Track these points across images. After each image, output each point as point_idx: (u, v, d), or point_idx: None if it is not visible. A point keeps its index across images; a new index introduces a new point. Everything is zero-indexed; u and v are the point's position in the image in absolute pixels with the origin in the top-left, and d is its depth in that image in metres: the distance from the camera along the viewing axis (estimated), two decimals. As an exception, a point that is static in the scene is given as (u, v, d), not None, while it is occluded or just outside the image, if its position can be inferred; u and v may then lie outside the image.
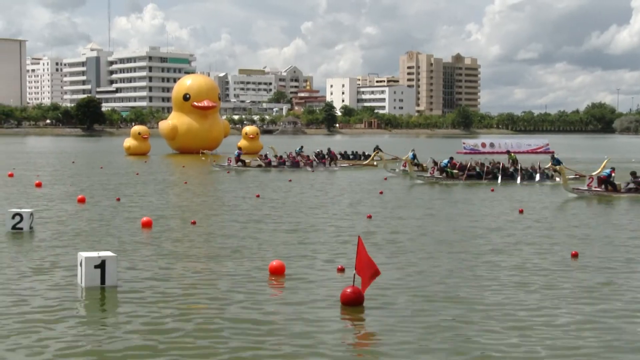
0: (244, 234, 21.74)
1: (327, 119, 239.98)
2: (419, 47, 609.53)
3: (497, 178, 41.34)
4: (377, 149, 62.56)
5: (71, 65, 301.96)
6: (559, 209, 29.58)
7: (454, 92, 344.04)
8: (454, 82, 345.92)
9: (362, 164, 56.46)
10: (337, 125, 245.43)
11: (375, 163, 55.49)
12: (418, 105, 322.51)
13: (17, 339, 11.18)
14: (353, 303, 13.24)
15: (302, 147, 64.67)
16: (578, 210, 29.10)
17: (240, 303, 13.48)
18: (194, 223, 23.80)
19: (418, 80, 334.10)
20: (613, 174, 35.12)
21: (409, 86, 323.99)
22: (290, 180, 41.53)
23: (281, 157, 54.50)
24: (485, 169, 42.53)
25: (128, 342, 11.17)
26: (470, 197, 33.61)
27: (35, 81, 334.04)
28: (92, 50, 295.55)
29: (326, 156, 55.78)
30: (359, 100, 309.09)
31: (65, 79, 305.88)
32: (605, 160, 43.51)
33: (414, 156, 54.54)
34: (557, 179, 39.33)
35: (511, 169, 43.30)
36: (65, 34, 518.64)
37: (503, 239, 21.32)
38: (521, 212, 27.59)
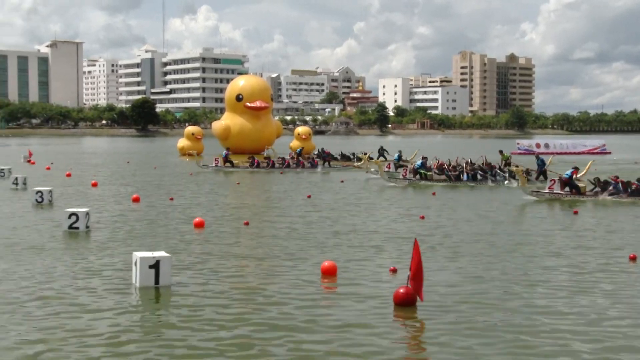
0: (296, 235, 21.77)
1: (379, 119, 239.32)
2: (472, 47, 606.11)
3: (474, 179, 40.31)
4: (381, 150, 61.99)
5: (126, 66, 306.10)
6: (518, 213, 28.87)
7: (507, 92, 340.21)
8: (508, 82, 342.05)
9: (353, 165, 54.45)
10: (390, 125, 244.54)
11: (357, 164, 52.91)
12: (471, 105, 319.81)
13: (71, 337, 11.34)
14: (405, 303, 13.16)
15: (302, 148, 65.24)
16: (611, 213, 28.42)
17: (292, 304, 13.48)
18: (246, 224, 23.90)
19: (471, 80, 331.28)
20: (575, 175, 33.27)
21: (462, 86, 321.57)
22: (342, 181, 41.44)
23: (283, 158, 54.07)
24: (466, 169, 41.35)
25: (181, 342, 11.24)
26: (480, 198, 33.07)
27: (91, 83, 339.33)
28: (146, 51, 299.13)
29: (315, 157, 55.28)
30: (412, 101, 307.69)
31: (120, 80, 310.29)
32: (590, 162, 42.26)
33: (399, 157, 53.94)
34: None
35: (492, 170, 41.91)
36: (121, 36, 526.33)
37: (548, 242, 20.99)
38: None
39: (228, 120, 75.96)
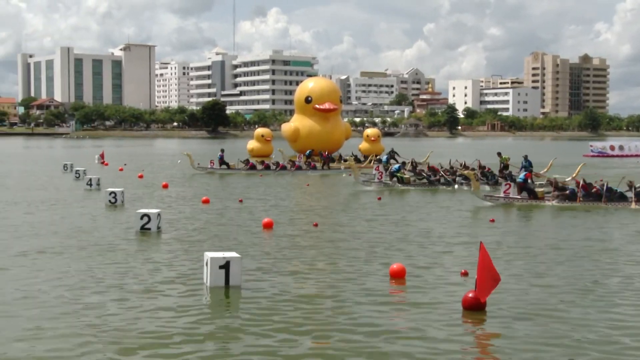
0: (365, 237, 21.70)
1: (449, 121, 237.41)
2: (545, 48, 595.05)
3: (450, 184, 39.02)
4: (392, 152, 61.05)
5: (197, 69, 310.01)
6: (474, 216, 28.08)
7: (581, 94, 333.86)
8: (581, 84, 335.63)
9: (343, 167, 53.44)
10: (460, 127, 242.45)
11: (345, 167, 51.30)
12: (543, 107, 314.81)
13: (143, 335, 11.52)
14: (475, 308, 13.00)
15: (312, 150, 64.56)
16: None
17: (360, 305, 13.43)
18: (315, 225, 23.94)
19: (543, 81, 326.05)
20: (529, 179, 31.81)
21: (533, 88, 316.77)
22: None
23: (292, 160, 53.30)
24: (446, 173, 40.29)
25: (250, 342, 11.31)
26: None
27: (163, 85, 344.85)
28: (217, 54, 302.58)
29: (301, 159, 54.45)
30: (482, 102, 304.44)
31: (191, 82, 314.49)
32: (581, 165, 40.69)
33: (388, 159, 52.76)
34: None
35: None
36: (192, 39, 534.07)
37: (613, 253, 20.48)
38: None
39: (297, 122, 76.16)
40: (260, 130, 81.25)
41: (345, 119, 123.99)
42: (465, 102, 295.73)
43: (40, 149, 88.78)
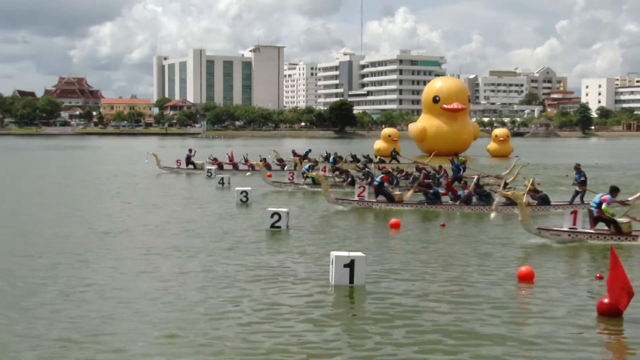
0: (493, 238, 21.32)
1: (581, 121, 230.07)
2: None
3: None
4: (393, 152, 59.53)
5: (325, 69, 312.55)
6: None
7: None
8: None
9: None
10: (593, 127, 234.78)
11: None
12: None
13: (267, 331, 11.68)
14: (610, 313, 12.49)
15: (310, 150, 63.37)
16: None
17: (488, 310, 13.14)
18: (443, 225, 23.72)
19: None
20: (385, 182, 30.01)
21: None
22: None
23: (282, 160, 51.88)
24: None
25: (371, 343, 11.26)
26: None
27: (291, 85, 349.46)
28: (344, 54, 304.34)
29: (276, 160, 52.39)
30: (617, 102, 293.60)
31: (319, 83, 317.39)
32: (516, 164, 38.25)
33: (335, 160, 50.98)
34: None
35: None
36: (320, 40, 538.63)
37: None
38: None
39: (424, 122, 75.83)
40: (387, 130, 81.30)
41: (473, 119, 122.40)
42: (599, 101, 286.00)
43: (174, 148, 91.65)
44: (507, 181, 32.99)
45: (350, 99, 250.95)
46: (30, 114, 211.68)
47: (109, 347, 10.90)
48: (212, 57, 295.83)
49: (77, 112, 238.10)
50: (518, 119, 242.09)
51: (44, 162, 64.68)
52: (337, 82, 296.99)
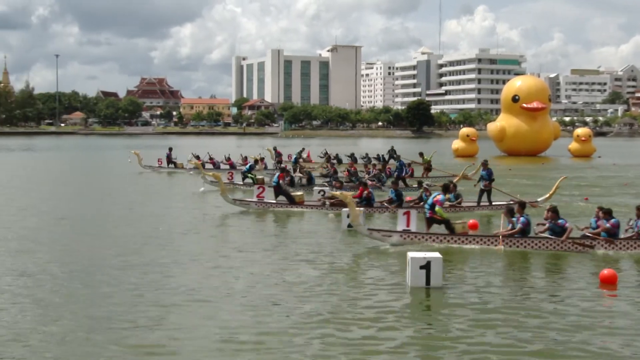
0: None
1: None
2: None
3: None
4: (391, 150, 58.21)
5: (402, 69, 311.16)
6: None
7: None
8: None
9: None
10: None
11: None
12: None
13: (340, 332, 11.60)
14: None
15: (303, 148, 62.82)
16: None
17: (569, 311, 12.85)
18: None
19: None
20: (281, 181, 29.12)
21: None
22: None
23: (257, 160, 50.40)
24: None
25: (446, 345, 11.10)
26: None
27: (368, 85, 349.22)
28: (422, 54, 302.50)
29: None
30: None
31: (396, 82, 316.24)
32: (467, 168, 36.85)
33: (296, 160, 50.37)
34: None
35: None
36: (398, 39, 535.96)
37: None
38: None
39: (503, 122, 74.80)
40: (465, 130, 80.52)
41: (554, 118, 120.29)
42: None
43: (252, 147, 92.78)
44: (468, 174, 33.49)
45: (427, 99, 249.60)
46: (113, 114, 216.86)
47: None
48: (290, 57, 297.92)
49: (158, 112, 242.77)
50: (600, 119, 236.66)
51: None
52: (414, 81, 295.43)
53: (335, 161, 51.33)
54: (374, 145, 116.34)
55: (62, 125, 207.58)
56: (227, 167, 49.16)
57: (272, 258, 17.91)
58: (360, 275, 15.99)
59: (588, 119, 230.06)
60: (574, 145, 75.39)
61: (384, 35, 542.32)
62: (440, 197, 20.21)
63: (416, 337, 11.49)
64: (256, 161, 45.78)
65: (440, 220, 19.91)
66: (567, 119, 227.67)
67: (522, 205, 19.84)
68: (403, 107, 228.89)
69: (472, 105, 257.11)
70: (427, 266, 14.41)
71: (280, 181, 29.16)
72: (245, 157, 40.46)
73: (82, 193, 35.53)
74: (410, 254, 14.77)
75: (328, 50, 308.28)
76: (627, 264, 17.29)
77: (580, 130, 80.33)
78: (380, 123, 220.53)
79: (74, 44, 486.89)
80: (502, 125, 74.29)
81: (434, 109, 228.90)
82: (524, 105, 72.23)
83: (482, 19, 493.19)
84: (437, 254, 14.81)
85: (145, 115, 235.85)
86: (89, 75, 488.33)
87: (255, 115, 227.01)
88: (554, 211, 18.94)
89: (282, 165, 40.79)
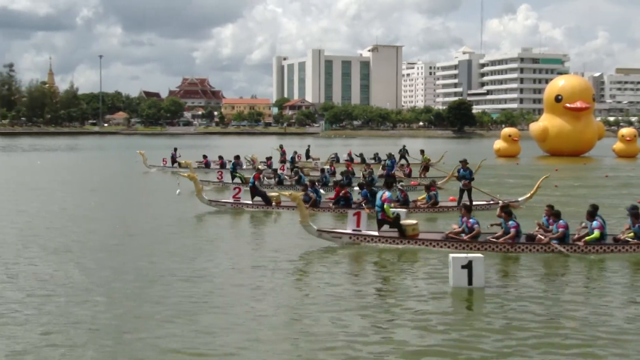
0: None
1: None
2: None
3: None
4: (403, 149, 58.31)
5: (444, 68, 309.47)
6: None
7: None
8: None
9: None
10: None
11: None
12: None
13: (379, 333, 11.63)
14: None
15: (309, 146, 62.53)
16: None
17: (613, 313, 12.68)
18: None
19: None
20: (256, 181, 28.72)
21: None
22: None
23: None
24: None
25: (487, 346, 11.06)
26: None
27: (409, 85, 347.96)
28: (464, 53, 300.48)
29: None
30: None
31: (437, 82, 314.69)
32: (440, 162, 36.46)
33: (293, 159, 49.83)
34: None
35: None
36: (439, 39, 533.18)
37: None
38: None
39: (546, 122, 74.09)
40: (507, 130, 79.88)
41: (598, 118, 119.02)
42: None
43: (292, 147, 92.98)
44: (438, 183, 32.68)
45: (469, 98, 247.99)
46: (155, 114, 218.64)
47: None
48: (331, 57, 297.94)
49: (200, 112, 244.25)
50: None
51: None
52: (456, 81, 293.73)
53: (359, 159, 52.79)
54: (415, 145, 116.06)
55: (105, 125, 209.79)
56: (218, 166, 49.40)
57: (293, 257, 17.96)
58: (404, 273, 16.04)
59: (633, 119, 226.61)
60: (618, 145, 74.42)
61: (425, 35, 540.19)
62: (387, 194, 19.47)
63: (458, 338, 11.43)
64: (253, 160, 47.12)
65: (391, 223, 19.34)
66: (611, 118, 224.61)
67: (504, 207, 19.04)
68: (444, 107, 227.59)
69: (514, 105, 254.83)
70: (468, 266, 14.36)
71: (256, 182, 28.94)
72: (238, 156, 40.70)
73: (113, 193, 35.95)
74: (452, 255, 14.73)
75: (369, 50, 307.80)
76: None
77: (625, 130, 79.24)
78: (421, 123, 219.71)
79: (117, 44, 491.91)
80: (545, 125, 73.59)
81: (476, 109, 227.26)
82: (567, 105, 71.45)
83: (525, 17, 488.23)
84: (479, 254, 14.76)
85: (187, 115, 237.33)
86: (132, 75, 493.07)
87: (296, 115, 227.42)
88: (507, 212, 18.57)
89: (264, 167, 41.79)
